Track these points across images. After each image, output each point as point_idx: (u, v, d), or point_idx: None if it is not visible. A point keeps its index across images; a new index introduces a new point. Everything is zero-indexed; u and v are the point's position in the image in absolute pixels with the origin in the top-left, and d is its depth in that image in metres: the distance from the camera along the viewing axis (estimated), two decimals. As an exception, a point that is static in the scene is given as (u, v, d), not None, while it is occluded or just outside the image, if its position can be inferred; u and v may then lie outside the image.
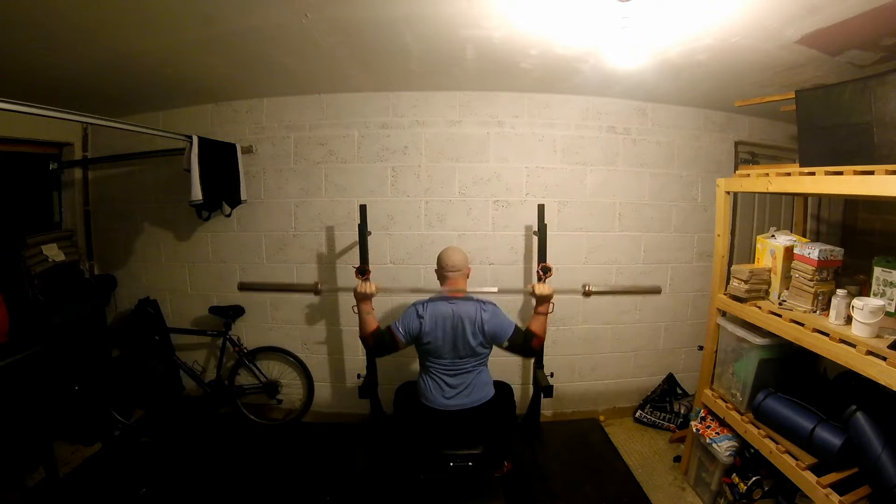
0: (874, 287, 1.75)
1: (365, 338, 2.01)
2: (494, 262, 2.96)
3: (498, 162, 2.92)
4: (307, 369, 3.08)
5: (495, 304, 2.04)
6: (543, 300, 1.98)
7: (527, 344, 1.97)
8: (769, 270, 2.11)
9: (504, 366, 3.05)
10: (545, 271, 2.51)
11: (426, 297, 2.08)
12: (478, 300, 2.02)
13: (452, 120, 2.89)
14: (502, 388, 2.25)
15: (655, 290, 2.16)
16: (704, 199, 3.06)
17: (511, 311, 2.97)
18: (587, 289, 2.00)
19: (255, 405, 3.10)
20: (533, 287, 1.99)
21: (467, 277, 2.09)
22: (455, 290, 2.03)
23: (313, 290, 2.06)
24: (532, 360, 2.87)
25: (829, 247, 1.86)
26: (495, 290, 2.15)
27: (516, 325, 2.00)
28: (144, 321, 2.97)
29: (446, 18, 1.82)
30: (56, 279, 2.70)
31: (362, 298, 1.99)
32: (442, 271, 2.07)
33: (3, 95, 1.53)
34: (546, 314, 1.99)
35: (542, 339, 1.99)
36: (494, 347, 2.05)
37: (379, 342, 2.01)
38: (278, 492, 2.40)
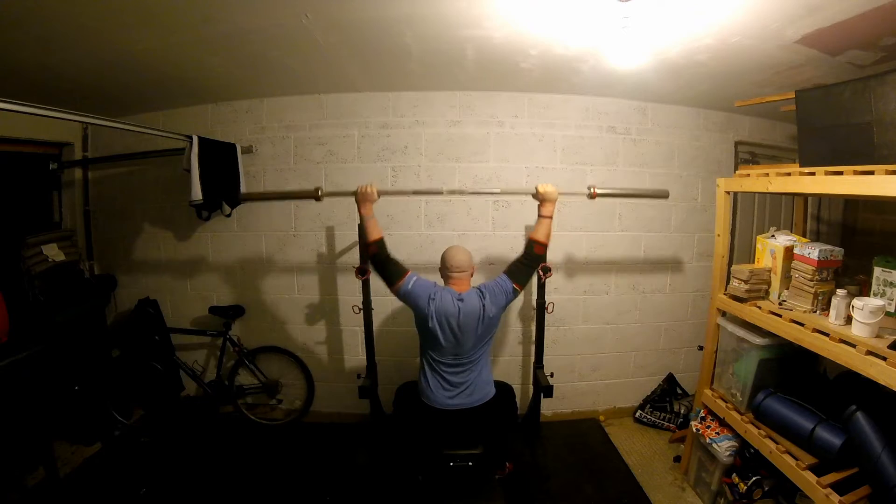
0: (874, 287, 1.75)
1: (366, 245, 1.94)
2: (495, 262, 2.96)
3: (498, 162, 2.91)
4: (307, 369, 3.08)
5: (488, 282, 2.01)
6: (547, 200, 1.95)
7: (529, 254, 1.95)
8: (769, 270, 2.12)
9: (504, 366, 3.06)
10: (545, 271, 2.53)
11: (441, 284, 2.05)
12: (477, 288, 1.98)
13: (452, 120, 2.89)
14: (503, 389, 2.24)
15: (663, 194, 2.14)
16: (704, 199, 3.06)
17: (512, 309, 2.99)
18: (592, 191, 2.00)
19: (255, 405, 3.11)
20: (536, 186, 1.96)
21: (471, 277, 2.08)
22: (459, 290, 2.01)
23: (314, 196, 2.06)
24: (532, 361, 2.86)
25: (829, 247, 1.86)
26: (498, 190, 2.13)
27: (504, 272, 1.98)
28: (144, 321, 2.97)
29: (446, 18, 1.82)
30: (56, 279, 2.70)
31: (363, 200, 1.94)
32: (446, 272, 2.04)
33: (3, 95, 1.53)
34: (550, 217, 1.96)
35: (544, 245, 1.97)
36: (493, 346, 2.03)
37: (384, 259, 1.93)
38: (278, 492, 2.41)
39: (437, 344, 1.95)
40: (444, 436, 2.00)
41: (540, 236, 1.96)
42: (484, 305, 1.92)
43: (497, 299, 1.94)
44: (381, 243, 1.94)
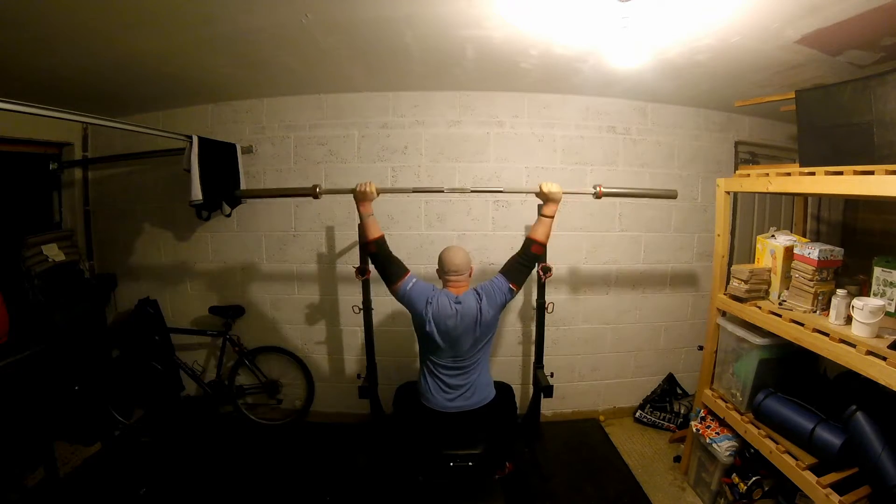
0: (874, 287, 1.75)
1: (366, 244, 1.92)
2: (495, 262, 2.95)
3: (498, 162, 2.92)
4: (307, 369, 3.08)
5: (482, 285, 1.97)
6: (551, 199, 1.91)
7: (527, 253, 1.92)
8: (769, 270, 2.12)
9: (504, 366, 3.06)
10: (545, 271, 2.52)
11: (439, 286, 2.03)
12: (474, 289, 1.96)
13: (452, 120, 2.89)
14: (503, 389, 2.24)
15: (671, 195, 2.07)
16: (704, 199, 3.06)
17: (512, 309, 2.99)
18: (598, 189, 1.94)
19: (255, 405, 3.10)
20: (540, 185, 1.91)
21: (470, 278, 2.07)
22: (458, 292, 1.99)
23: (312, 193, 2.01)
24: (532, 361, 2.86)
25: (829, 247, 1.86)
26: (500, 188, 2.07)
27: (501, 272, 1.96)
28: (144, 321, 2.97)
29: (447, 18, 1.82)
30: (56, 279, 2.69)
31: (361, 199, 1.91)
32: (444, 273, 2.03)
33: (3, 95, 1.53)
34: (552, 217, 1.92)
35: (543, 245, 1.92)
36: (493, 346, 2.03)
37: (385, 257, 1.91)
38: (278, 492, 2.41)
39: (436, 347, 1.94)
40: (444, 437, 2.00)
41: (539, 235, 1.93)
42: (481, 308, 1.91)
43: (493, 300, 1.91)
44: (380, 242, 1.92)
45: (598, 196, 1.96)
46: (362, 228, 1.92)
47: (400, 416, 2.24)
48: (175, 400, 3.12)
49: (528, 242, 1.94)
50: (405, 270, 1.94)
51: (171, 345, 3.07)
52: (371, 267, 2.48)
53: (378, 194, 1.94)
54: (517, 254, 1.96)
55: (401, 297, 1.93)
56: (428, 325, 1.91)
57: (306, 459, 2.70)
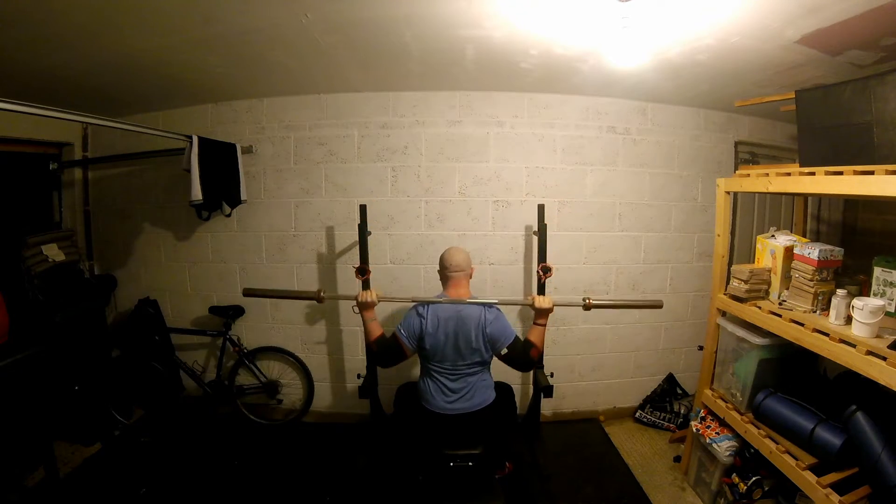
0: (874, 287, 1.75)
1: (370, 345, 1.99)
2: (494, 262, 2.96)
3: (498, 162, 2.91)
4: (307, 369, 3.08)
5: (499, 310, 2.02)
6: (543, 313, 1.95)
7: (526, 353, 1.94)
8: (769, 270, 2.12)
9: (504, 366, 3.05)
10: (545, 271, 2.53)
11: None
12: (482, 303, 2.00)
13: (452, 120, 2.89)
14: (503, 390, 2.25)
15: (657, 305, 2.06)
16: (704, 199, 3.06)
17: (512, 309, 2.99)
18: (587, 301, 1.98)
19: (255, 405, 3.10)
20: (533, 299, 1.96)
21: (470, 278, 2.08)
22: (458, 291, 2.02)
23: (316, 298, 2.04)
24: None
25: (829, 247, 1.86)
26: (495, 301, 2.05)
27: (517, 335, 1.98)
28: (144, 321, 2.97)
29: (446, 18, 1.82)
30: (56, 279, 2.70)
31: (364, 307, 1.96)
32: (444, 272, 2.05)
33: (3, 95, 1.53)
34: (545, 325, 1.97)
35: (539, 350, 1.97)
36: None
37: (385, 349, 1.97)
38: (278, 492, 2.40)
39: (436, 351, 1.96)
40: (444, 437, 2.00)
41: (536, 341, 1.94)
42: (486, 317, 1.93)
43: (495, 328, 1.93)
44: (381, 340, 1.97)
45: (587, 308, 1.99)
46: (365, 331, 1.99)
47: (400, 416, 2.24)
48: (175, 400, 3.12)
49: (528, 345, 1.94)
50: (393, 334, 1.98)
51: (171, 345, 3.08)
52: (371, 267, 2.50)
53: (379, 301, 1.98)
54: (521, 348, 1.95)
55: (413, 346, 1.97)
56: (431, 335, 1.93)
57: (306, 459, 2.70)
